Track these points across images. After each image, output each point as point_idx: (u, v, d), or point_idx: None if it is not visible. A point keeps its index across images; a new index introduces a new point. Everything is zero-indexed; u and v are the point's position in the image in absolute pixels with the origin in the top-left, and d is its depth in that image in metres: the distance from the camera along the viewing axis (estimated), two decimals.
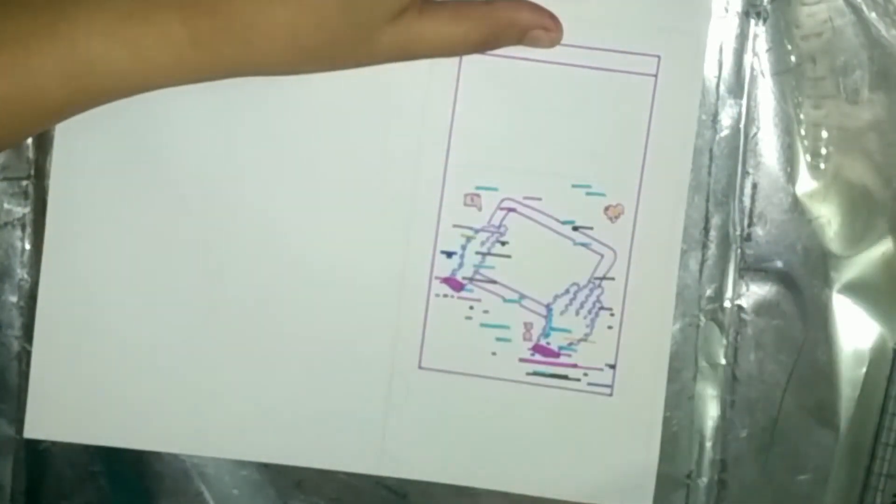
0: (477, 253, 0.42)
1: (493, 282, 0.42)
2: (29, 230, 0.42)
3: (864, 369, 0.43)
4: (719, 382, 0.42)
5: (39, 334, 0.42)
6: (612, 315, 0.42)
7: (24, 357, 0.42)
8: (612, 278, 0.42)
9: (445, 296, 0.42)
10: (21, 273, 0.42)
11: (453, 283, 0.42)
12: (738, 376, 0.43)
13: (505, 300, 0.42)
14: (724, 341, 0.42)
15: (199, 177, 0.41)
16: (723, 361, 0.43)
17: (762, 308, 0.43)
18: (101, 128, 0.41)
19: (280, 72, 0.38)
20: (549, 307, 0.42)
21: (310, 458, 0.42)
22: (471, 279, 0.42)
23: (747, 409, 0.43)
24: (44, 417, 0.42)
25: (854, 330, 0.42)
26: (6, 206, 0.42)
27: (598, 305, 0.42)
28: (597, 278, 0.42)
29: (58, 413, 0.42)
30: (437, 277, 0.42)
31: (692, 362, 0.42)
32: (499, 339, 0.42)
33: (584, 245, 0.42)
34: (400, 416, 0.42)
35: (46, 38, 0.35)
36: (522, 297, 0.42)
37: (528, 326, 0.42)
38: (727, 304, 0.42)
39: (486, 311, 0.42)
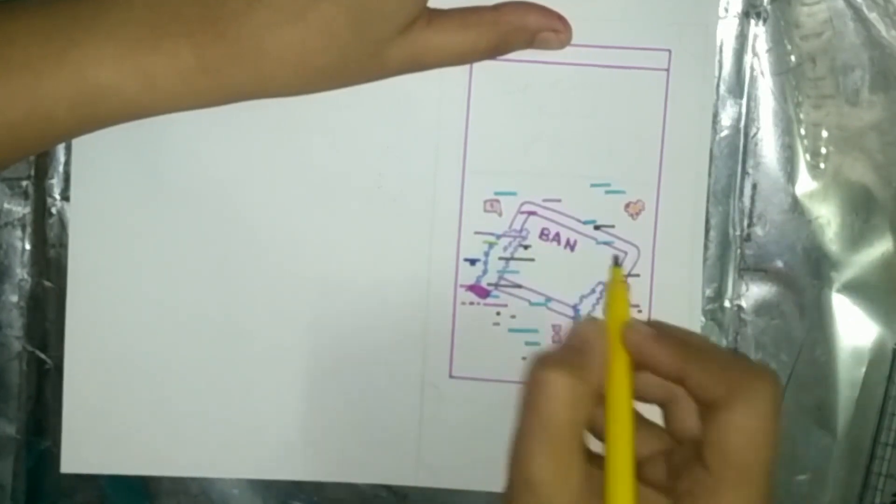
0: (500, 258, 0.42)
1: (519, 286, 0.42)
2: (29, 230, 0.42)
3: (863, 369, 0.43)
4: None
5: (69, 372, 0.42)
6: (639, 311, 0.42)
7: (24, 357, 0.42)
8: (637, 275, 0.42)
9: (472, 303, 0.42)
10: (21, 273, 0.42)
11: (478, 290, 0.42)
12: None
13: (531, 304, 0.42)
14: (724, 341, 0.42)
15: (218, 197, 0.41)
16: None
17: (762, 308, 0.43)
18: (119, 154, 0.41)
19: (291, 93, 0.38)
20: (576, 308, 0.42)
21: (347, 474, 0.42)
22: (496, 285, 0.42)
23: None
24: (79, 452, 0.42)
25: (853, 330, 0.42)
26: (6, 206, 0.42)
27: None
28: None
29: (92, 446, 0.42)
30: (462, 286, 0.42)
31: None
32: (528, 343, 0.42)
33: (606, 244, 0.42)
34: (434, 426, 0.42)
35: (55, 65, 0.35)
36: (549, 299, 0.42)
37: (556, 329, 0.42)
38: (727, 304, 0.42)
39: (513, 316, 0.42)
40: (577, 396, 0.32)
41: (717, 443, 0.32)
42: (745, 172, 0.42)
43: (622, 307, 0.35)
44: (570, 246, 0.42)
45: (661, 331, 0.34)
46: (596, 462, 0.33)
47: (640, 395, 0.34)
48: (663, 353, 0.33)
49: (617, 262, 0.38)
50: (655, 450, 0.34)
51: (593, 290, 0.42)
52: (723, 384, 0.32)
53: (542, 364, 0.32)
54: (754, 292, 0.43)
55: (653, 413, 0.35)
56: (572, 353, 0.34)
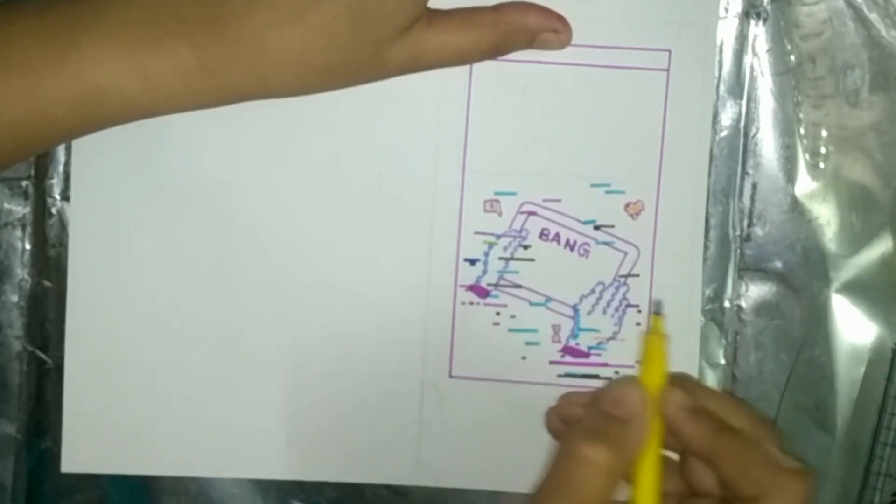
0: (500, 258, 0.42)
1: (519, 286, 0.42)
2: (29, 230, 0.42)
3: (862, 369, 0.43)
4: (719, 382, 0.42)
5: (70, 372, 0.42)
6: (639, 312, 0.42)
7: (25, 357, 0.42)
8: (637, 275, 0.42)
9: (472, 303, 0.42)
10: (21, 273, 0.42)
11: (478, 290, 0.42)
12: (738, 376, 0.43)
13: (531, 304, 0.42)
14: (724, 341, 0.42)
15: (218, 197, 0.41)
16: (722, 361, 0.43)
17: (761, 308, 0.43)
18: (119, 154, 0.41)
19: (291, 93, 0.38)
20: (575, 308, 0.42)
21: (347, 474, 0.42)
22: (496, 285, 0.42)
23: None
24: (79, 452, 0.42)
25: (853, 330, 0.42)
26: (6, 206, 0.42)
27: (624, 303, 0.42)
28: (622, 276, 0.42)
29: (92, 446, 0.42)
30: (461, 286, 0.42)
31: None
32: (528, 343, 0.42)
33: (606, 244, 0.42)
34: (434, 426, 0.42)
35: (55, 65, 0.35)
36: (549, 299, 0.42)
37: (556, 328, 0.42)
38: (727, 304, 0.42)
39: (513, 316, 0.42)
40: (614, 471, 0.31)
41: None
42: (744, 172, 0.42)
43: (660, 369, 0.34)
44: (570, 246, 0.42)
45: (696, 404, 0.33)
46: None
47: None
48: (696, 431, 0.33)
49: (658, 311, 0.37)
50: (670, 491, 0.34)
51: (593, 290, 0.42)
52: (753, 485, 0.31)
53: (580, 436, 0.31)
54: (754, 292, 0.43)
55: None
56: (611, 423, 0.32)
